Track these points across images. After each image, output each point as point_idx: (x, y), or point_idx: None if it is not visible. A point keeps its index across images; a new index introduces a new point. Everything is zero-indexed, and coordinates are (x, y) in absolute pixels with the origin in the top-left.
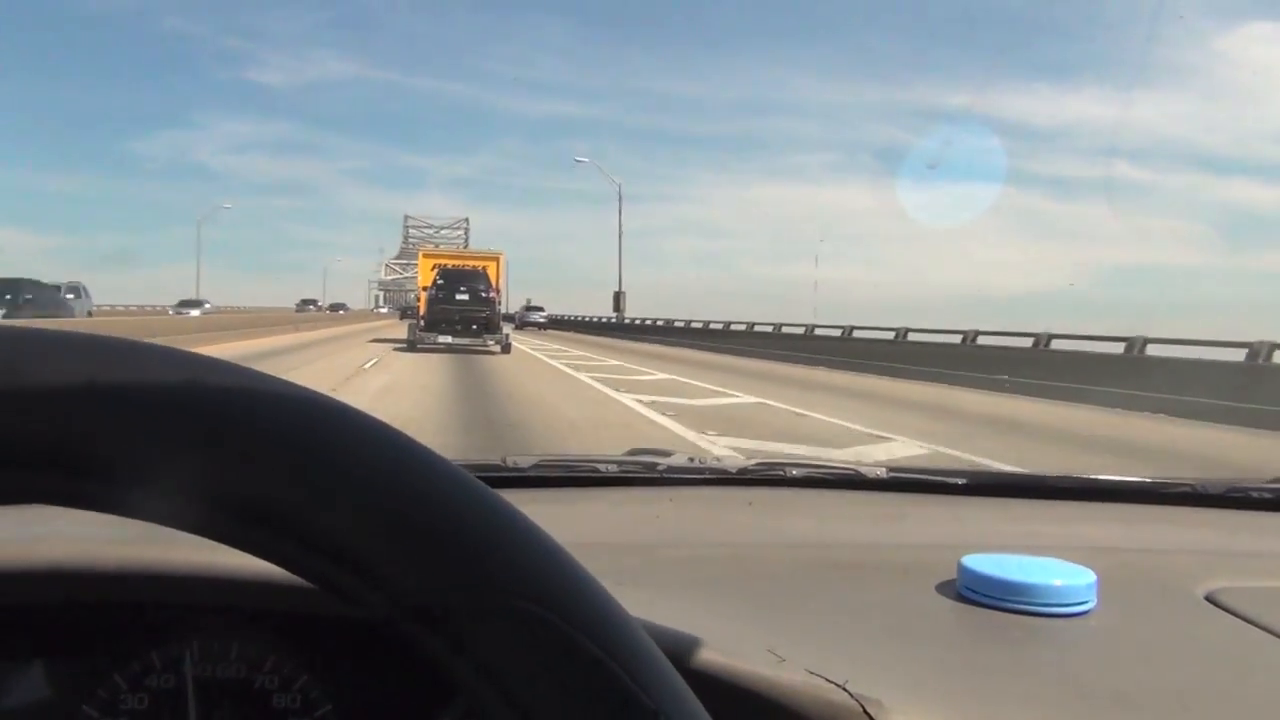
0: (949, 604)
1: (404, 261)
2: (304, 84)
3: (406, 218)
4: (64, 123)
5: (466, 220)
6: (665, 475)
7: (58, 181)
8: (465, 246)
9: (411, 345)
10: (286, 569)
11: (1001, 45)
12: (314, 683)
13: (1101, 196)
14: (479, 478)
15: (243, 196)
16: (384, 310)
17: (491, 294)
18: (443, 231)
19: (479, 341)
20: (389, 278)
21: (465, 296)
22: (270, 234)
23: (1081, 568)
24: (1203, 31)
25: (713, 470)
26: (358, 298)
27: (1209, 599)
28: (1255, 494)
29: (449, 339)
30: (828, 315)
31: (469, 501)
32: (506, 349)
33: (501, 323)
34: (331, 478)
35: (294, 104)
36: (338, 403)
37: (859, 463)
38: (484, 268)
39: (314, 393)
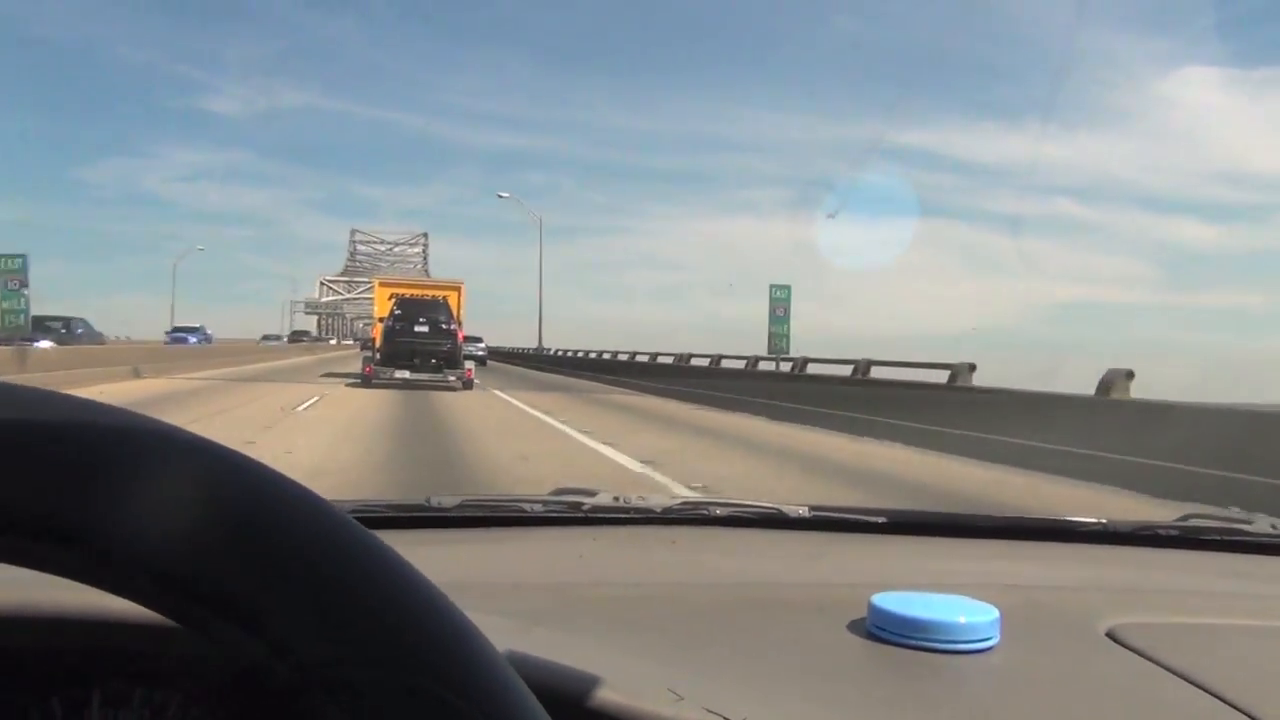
0: (857, 641)
1: (348, 279)
2: (258, 113)
3: (354, 232)
4: (10, 151)
5: (425, 235)
6: (590, 515)
7: (4, 210)
8: (424, 264)
9: (366, 381)
10: (196, 632)
11: (949, 85)
12: None
13: (1049, 234)
14: (403, 517)
15: (194, 226)
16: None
17: (453, 326)
18: (397, 248)
19: (439, 377)
20: (325, 299)
21: (425, 329)
22: (223, 264)
23: (986, 605)
24: (1141, 76)
25: (637, 510)
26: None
27: (1110, 635)
28: (1163, 532)
29: (407, 374)
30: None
31: (378, 572)
32: (468, 385)
33: (464, 358)
34: (251, 545)
35: (248, 133)
36: (258, 465)
37: (783, 503)
38: (444, 298)
39: (237, 454)
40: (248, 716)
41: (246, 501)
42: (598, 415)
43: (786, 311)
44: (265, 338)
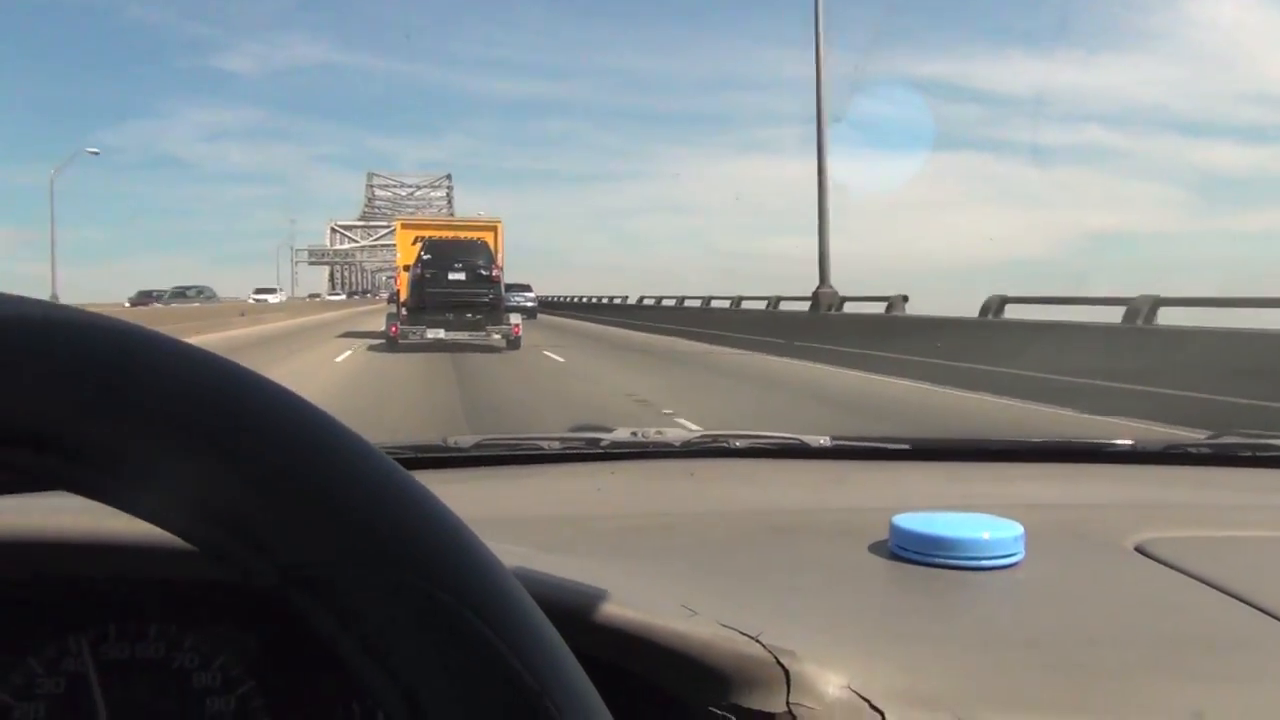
0: (880, 562)
1: (365, 225)
2: (273, 70)
3: (371, 175)
4: (31, 116)
5: (448, 177)
6: (608, 450)
7: (28, 174)
8: (449, 208)
9: (392, 342)
10: (170, 531)
11: (971, 12)
12: (234, 660)
13: (1080, 162)
14: (421, 458)
15: (215, 185)
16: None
17: (494, 271)
18: (419, 192)
19: (480, 334)
20: (340, 246)
21: (461, 276)
22: (244, 222)
23: (1010, 521)
24: None
25: (656, 444)
26: (312, 283)
27: (1139, 549)
28: (1193, 450)
29: (441, 333)
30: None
31: (366, 472)
32: (515, 344)
33: (506, 310)
34: (228, 441)
35: (263, 90)
36: (244, 369)
37: (803, 433)
38: (480, 239)
39: (215, 355)
40: (261, 650)
41: (221, 398)
42: None
43: None
44: None
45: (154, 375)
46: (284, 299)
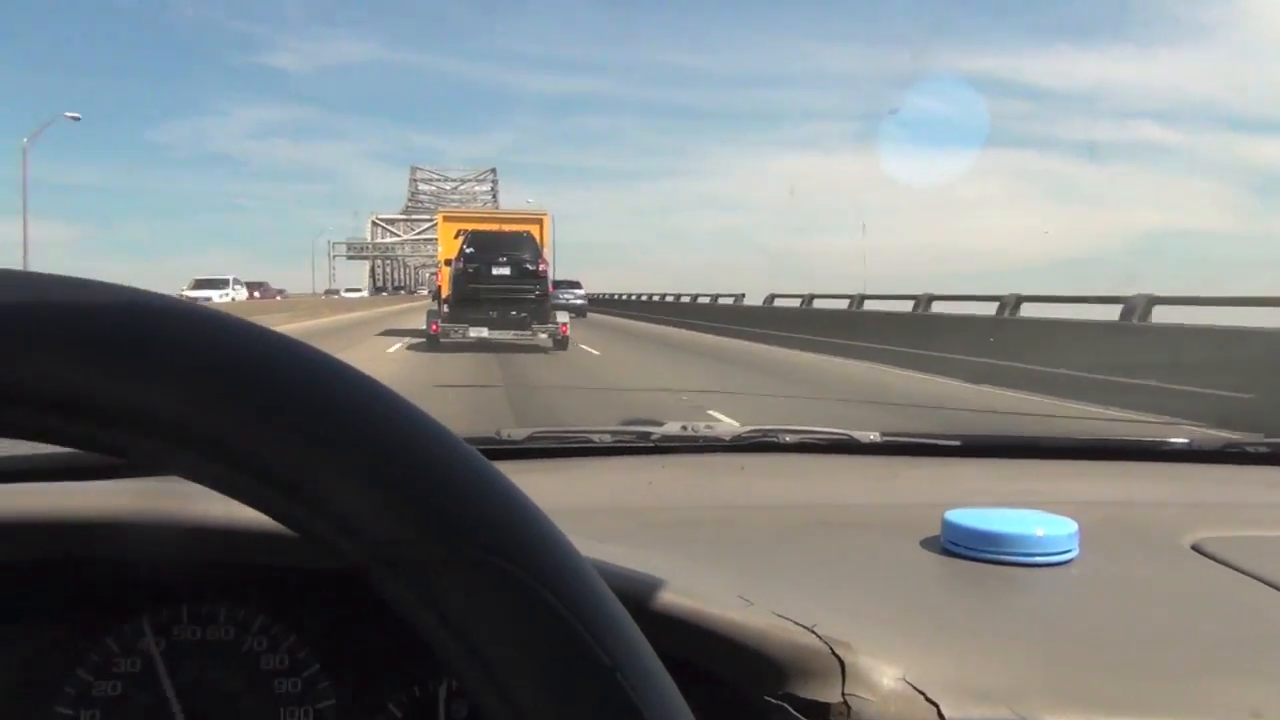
0: (932, 557)
1: (408, 219)
2: (320, 67)
3: (414, 170)
4: (86, 115)
5: (493, 171)
6: (659, 444)
7: (83, 173)
8: (494, 203)
9: (433, 341)
10: (262, 511)
11: (1021, 7)
12: (302, 643)
13: (1129, 159)
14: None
15: (264, 182)
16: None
17: (541, 266)
18: (463, 186)
19: (526, 334)
20: (383, 240)
21: (506, 270)
22: (291, 218)
23: (1064, 518)
24: None
25: (706, 438)
26: (353, 278)
27: (1195, 548)
28: (1251, 449)
29: (484, 332)
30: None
31: (445, 454)
32: (562, 344)
33: (553, 308)
34: (317, 426)
35: (311, 88)
36: (325, 354)
37: (853, 429)
38: (526, 232)
39: (304, 344)
40: (328, 634)
41: (306, 381)
42: None
43: None
44: None
45: (250, 363)
46: (234, 297)
